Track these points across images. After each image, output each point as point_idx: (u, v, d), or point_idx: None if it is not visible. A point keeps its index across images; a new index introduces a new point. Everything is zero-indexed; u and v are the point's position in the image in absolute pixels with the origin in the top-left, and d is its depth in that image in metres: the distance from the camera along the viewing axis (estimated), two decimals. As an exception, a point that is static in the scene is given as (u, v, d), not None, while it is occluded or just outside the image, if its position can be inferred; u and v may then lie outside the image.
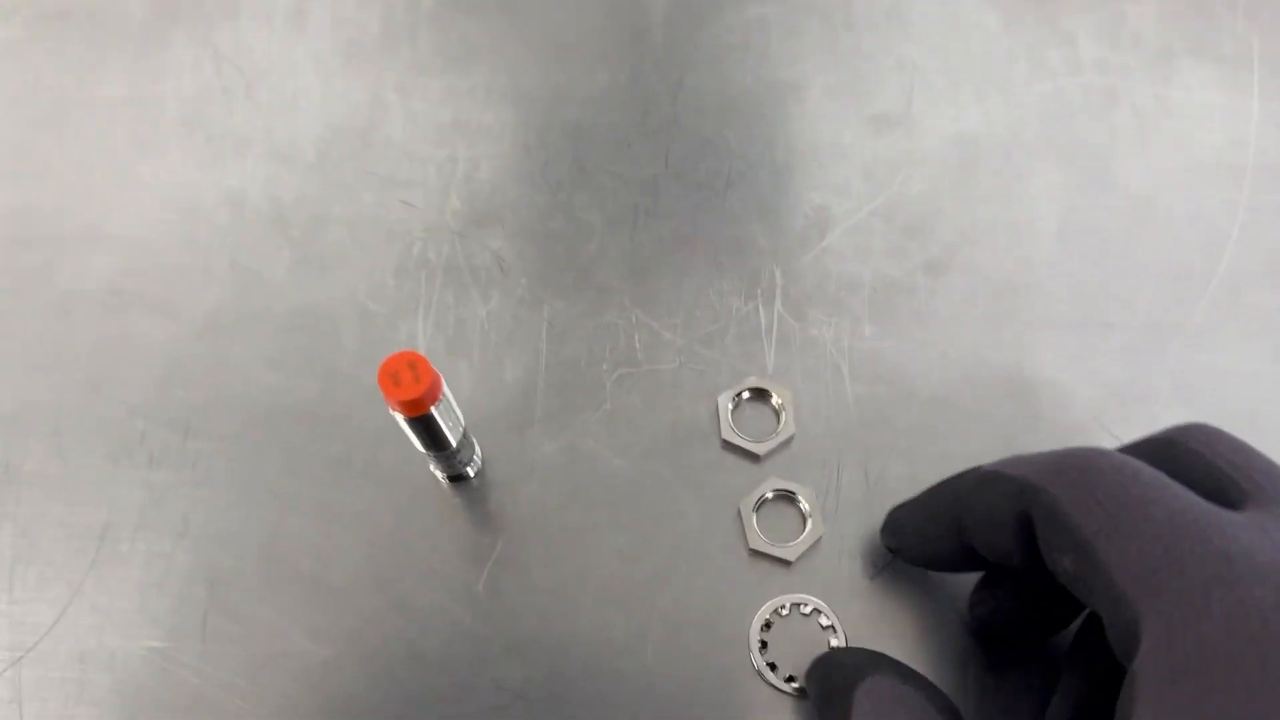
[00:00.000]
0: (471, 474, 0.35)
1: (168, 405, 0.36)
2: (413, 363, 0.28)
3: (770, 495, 0.34)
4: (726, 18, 0.42)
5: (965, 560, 0.29)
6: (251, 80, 0.41)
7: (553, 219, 0.39)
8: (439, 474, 0.34)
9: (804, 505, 0.34)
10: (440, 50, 0.42)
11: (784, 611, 0.32)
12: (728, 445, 0.35)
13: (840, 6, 0.42)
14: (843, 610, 0.33)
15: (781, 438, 0.35)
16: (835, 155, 0.40)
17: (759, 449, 0.34)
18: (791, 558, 0.33)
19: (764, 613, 0.32)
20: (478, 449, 0.34)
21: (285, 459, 0.35)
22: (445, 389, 0.29)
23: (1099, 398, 0.36)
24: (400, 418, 0.29)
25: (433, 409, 0.29)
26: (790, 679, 0.31)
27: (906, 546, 0.31)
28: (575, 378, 0.36)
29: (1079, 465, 0.24)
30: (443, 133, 0.40)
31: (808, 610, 0.32)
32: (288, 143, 0.40)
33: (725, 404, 0.35)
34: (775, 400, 0.35)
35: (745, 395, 0.36)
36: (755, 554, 0.33)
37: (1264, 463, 0.24)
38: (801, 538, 0.33)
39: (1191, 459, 0.25)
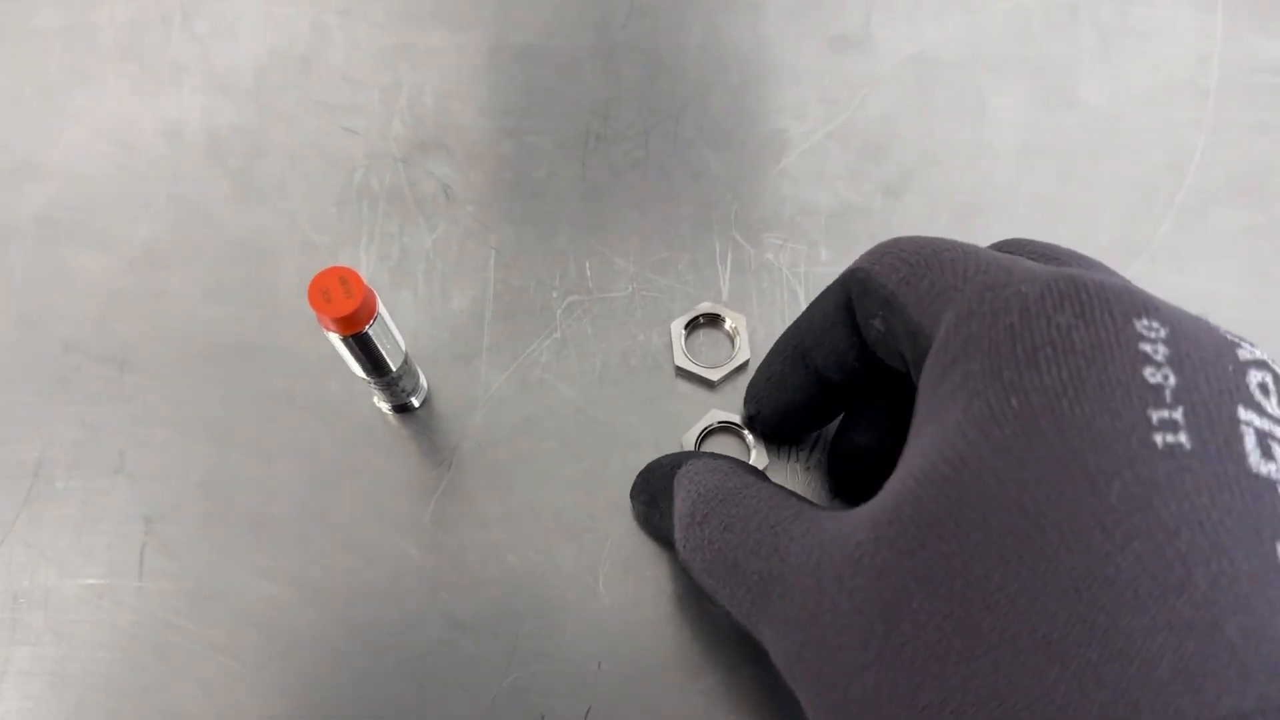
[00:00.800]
0: (416, 404, 0.34)
1: (103, 339, 0.35)
2: (344, 278, 0.27)
3: (715, 426, 0.33)
4: (680, -62, 0.41)
5: (818, 394, 0.29)
6: (187, 6, 0.40)
7: (501, 144, 0.38)
8: (383, 405, 0.33)
9: (749, 438, 0.33)
10: (384, -27, 0.40)
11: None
12: (681, 372, 0.34)
13: (797, -75, 0.41)
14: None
15: (735, 363, 0.34)
16: (792, 77, 0.39)
17: (713, 375, 0.34)
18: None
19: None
20: (423, 379, 0.33)
21: (225, 393, 0.34)
22: (381, 308, 0.28)
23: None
24: (335, 339, 0.28)
25: (368, 328, 0.28)
26: None
27: (763, 402, 0.31)
28: (524, 306, 0.35)
29: (895, 245, 0.24)
30: (386, 57, 0.39)
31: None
32: (226, 71, 0.39)
33: (678, 330, 0.34)
34: (729, 326, 0.35)
35: (699, 321, 0.35)
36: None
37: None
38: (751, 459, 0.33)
39: (1024, 249, 0.25)
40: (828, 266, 0.36)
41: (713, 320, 0.35)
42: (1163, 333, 0.19)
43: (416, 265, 0.36)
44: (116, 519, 0.33)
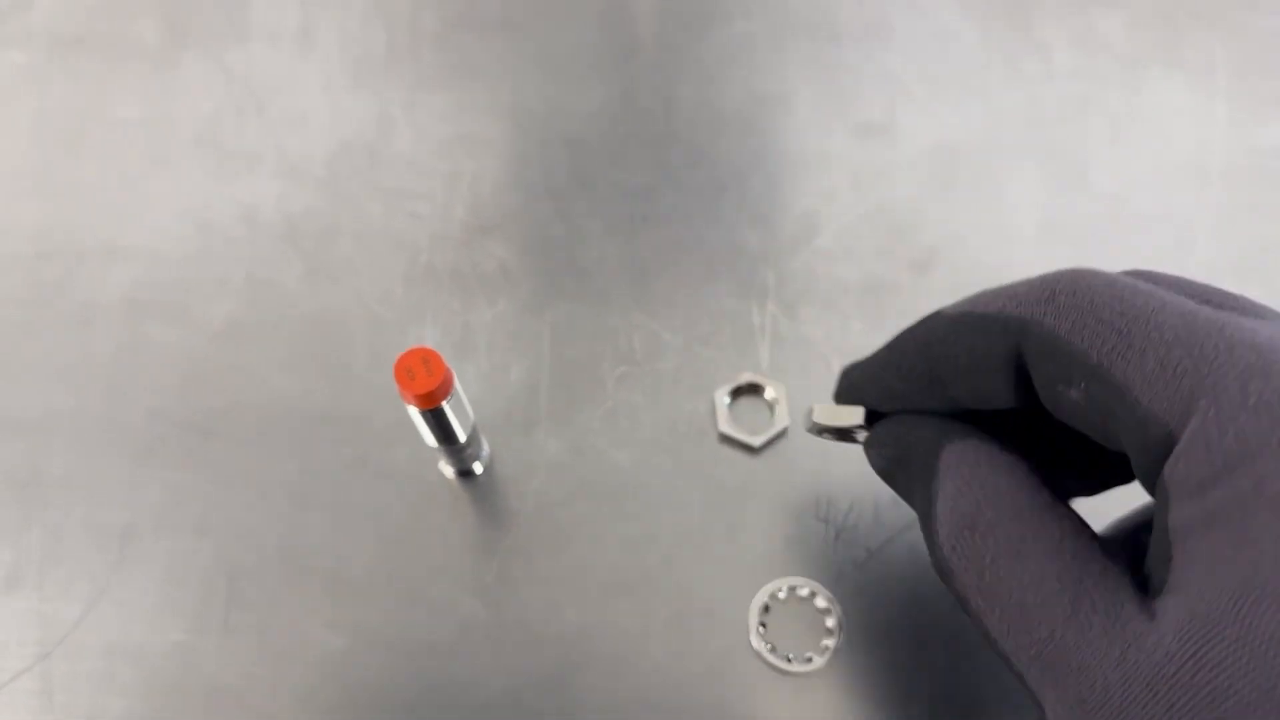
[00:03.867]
0: (480, 470, 0.36)
1: (186, 409, 0.37)
2: (426, 358, 0.29)
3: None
4: (716, 34, 0.44)
5: (948, 413, 0.25)
6: (262, 99, 0.43)
7: (553, 227, 0.40)
8: (449, 471, 0.36)
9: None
10: (443, 68, 0.43)
11: (781, 595, 0.34)
12: (725, 438, 0.37)
13: (824, 21, 0.44)
14: (838, 591, 0.34)
15: (775, 430, 0.36)
16: (823, 163, 0.42)
17: (754, 441, 0.36)
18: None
19: (761, 596, 0.34)
20: (485, 446, 0.36)
21: (300, 459, 0.37)
22: (457, 384, 0.31)
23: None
24: (414, 411, 0.31)
25: (444, 403, 0.30)
26: (789, 659, 0.33)
27: (864, 389, 0.28)
28: (578, 377, 0.38)
29: (1068, 288, 0.21)
30: (447, 146, 0.42)
31: (805, 593, 0.34)
32: (298, 158, 0.42)
33: (721, 399, 0.37)
34: (769, 395, 0.37)
35: (741, 391, 0.37)
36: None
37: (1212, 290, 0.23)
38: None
39: (1164, 280, 0.23)
40: (860, 338, 0.38)
41: (753, 389, 0.37)
42: None
43: (478, 339, 0.38)
44: (201, 577, 0.35)
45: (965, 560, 0.22)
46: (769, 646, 0.33)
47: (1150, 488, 0.20)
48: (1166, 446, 0.19)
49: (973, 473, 0.23)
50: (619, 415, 0.37)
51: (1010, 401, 0.23)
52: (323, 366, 0.38)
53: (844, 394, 0.30)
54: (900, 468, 0.26)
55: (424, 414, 0.31)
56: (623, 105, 0.43)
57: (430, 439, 0.33)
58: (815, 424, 0.30)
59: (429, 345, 0.37)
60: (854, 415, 0.29)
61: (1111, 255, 0.39)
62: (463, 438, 0.33)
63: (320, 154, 0.42)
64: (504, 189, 0.41)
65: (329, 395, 0.37)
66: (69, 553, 0.35)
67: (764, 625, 0.34)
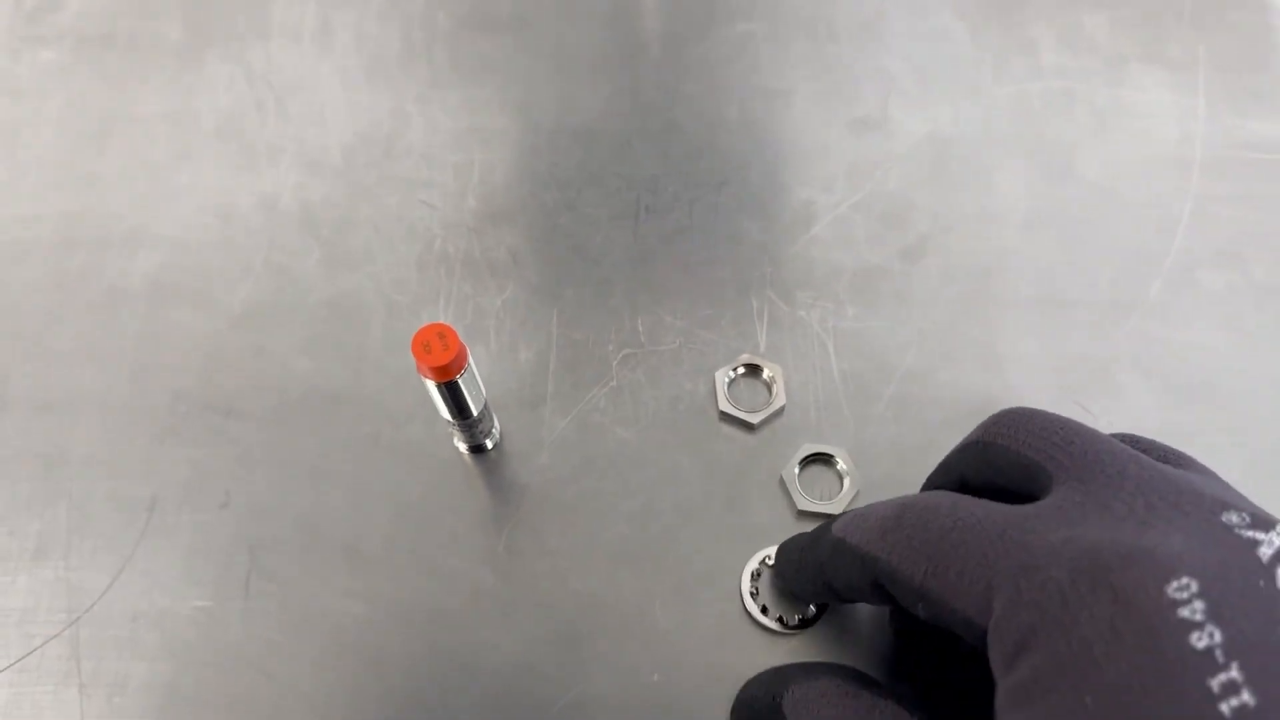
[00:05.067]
0: (490, 446, 0.38)
1: (209, 390, 0.39)
2: (442, 333, 0.31)
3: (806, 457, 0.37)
4: (718, 32, 0.46)
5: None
6: (282, 94, 0.45)
7: (561, 215, 0.42)
8: (461, 446, 0.38)
9: (840, 465, 0.37)
10: (456, 65, 0.45)
11: (770, 561, 0.35)
12: (724, 416, 0.38)
13: (822, 21, 0.46)
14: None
15: (773, 409, 0.38)
16: (819, 155, 0.43)
17: (752, 419, 0.38)
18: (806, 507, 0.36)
19: (753, 563, 0.35)
20: (496, 423, 0.38)
21: (318, 437, 0.38)
22: (470, 360, 0.32)
23: (1064, 369, 0.39)
24: (430, 384, 0.32)
25: (459, 377, 0.32)
26: (780, 619, 0.34)
27: (795, 589, 0.33)
28: (584, 358, 0.39)
29: (894, 524, 0.26)
30: (459, 139, 0.44)
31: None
32: (316, 151, 0.43)
33: (721, 379, 0.38)
34: (767, 375, 0.39)
35: (740, 371, 0.39)
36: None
37: (1063, 437, 0.26)
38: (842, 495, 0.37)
39: (999, 454, 0.28)
40: (854, 322, 0.40)
41: (752, 370, 0.39)
42: (1194, 587, 0.20)
43: (488, 322, 0.40)
44: (223, 549, 0.37)
45: None
46: (761, 608, 0.35)
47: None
48: (984, 641, 0.23)
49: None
50: (623, 394, 0.39)
51: (890, 604, 0.28)
52: (340, 349, 0.40)
53: (777, 565, 0.35)
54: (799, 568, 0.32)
55: (439, 387, 0.32)
56: (628, 100, 0.44)
57: (445, 413, 0.34)
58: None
59: (429, 323, 0.39)
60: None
61: (1096, 242, 0.41)
62: (475, 412, 0.34)
63: (337, 146, 0.43)
64: (514, 180, 0.43)
65: (346, 376, 0.39)
66: (95, 525, 0.37)
67: (755, 591, 0.35)
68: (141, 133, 0.44)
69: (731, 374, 0.39)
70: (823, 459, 0.37)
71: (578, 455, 0.38)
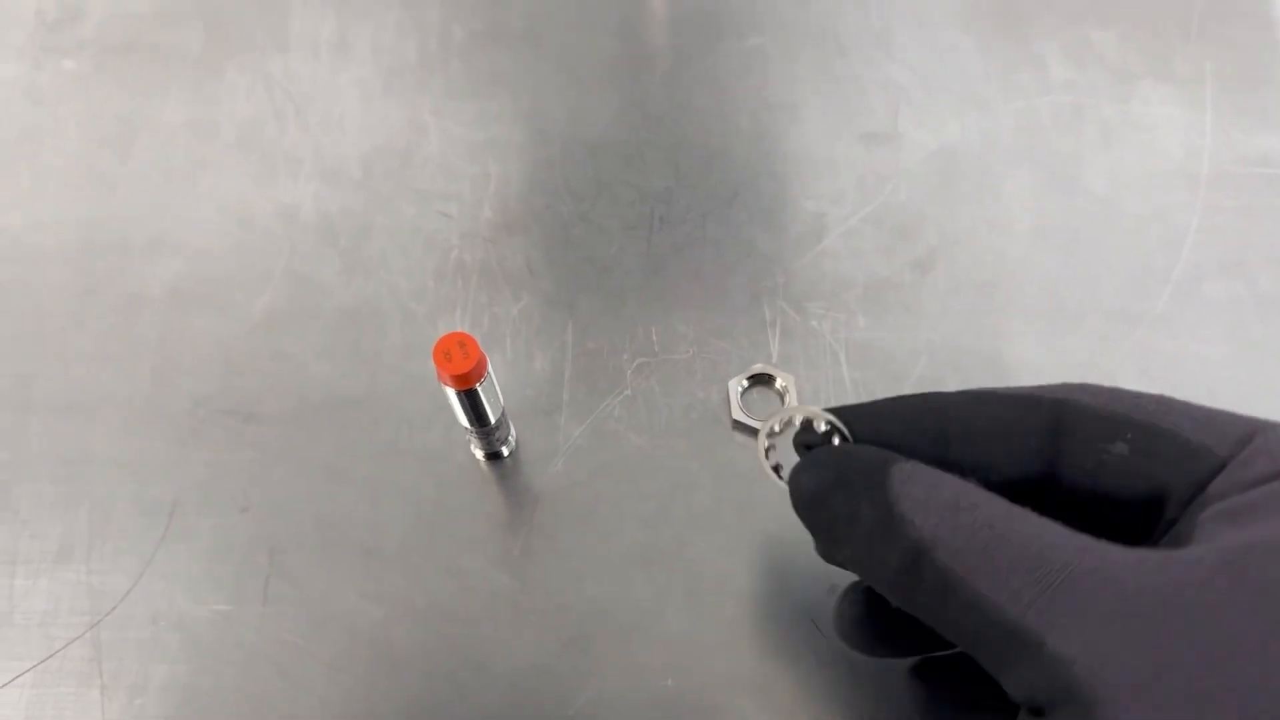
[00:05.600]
0: (506, 453, 0.38)
1: (228, 395, 0.40)
2: (462, 342, 0.32)
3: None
4: (728, 46, 0.47)
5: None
6: (301, 105, 0.45)
7: (575, 226, 0.43)
8: (478, 453, 0.38)
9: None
10: (471, 77, 0.46)
11: (779, 427, 0.31)
12: (737, 425, 0.39)
13: (831, 34, 0.47)
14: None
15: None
16: (829, 167, 0.44)
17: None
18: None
19: (773, 423, 0.31)
20: (513, 430, 0.38)
21: (337, 442, 0.39)
22: (489, 369, 0.33)
23: (1070, 380, 0.39)
24: (450, 392, 0.33)
25: (478, 385, 0.33)
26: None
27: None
28: (598, 367, 0.40)
29: (1086, 386, 0.26)
30: (475, 151, 0.44)
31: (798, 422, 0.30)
32: (335, 161, 0.44)
33: (734, 388, 0.39)
34: (779, 384, 0.39)
35: (752, 380, 0.39)
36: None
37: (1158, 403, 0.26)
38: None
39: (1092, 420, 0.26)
40: (864, 332, 0.40)
41: (764, 379, 0.40)
42: None
43: (504, 331, 0.41)
44: (243, 551, 0.37)
45: (956, 529, 0.23)
46: (775, 468, 0.31)
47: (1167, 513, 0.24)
48: (1214, 470, 0.23)
49: (936, 478, 0.24)
50: (637, 402, 0.39)
51: (1026, 465, 0.26)
52: (358, 356, 0.40)
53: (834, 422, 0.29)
54: (839, 489, 0.25)
55: (459, 395, 0.33)
56: (640, 112, 0.45)
57: (464, 420, 0.35)
58: (786, 422, 0.31)
59: (450, 332, 0.40)
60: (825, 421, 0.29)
61: (1103, 255, 0.42)
62: (493, 420, 0.35)
63: (356, 157, 0.44)
64: (529, 191, 0.43)
65: (364, 382, 0.40)
66: (117, 528, 0.38)
67: (771, 446, 0.32)
68: (162, 141, 0.45)
69: (744, 383, 0.39)
70: (765, 380, 0.39)
71: (592, 462, 0.38)
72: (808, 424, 0.29)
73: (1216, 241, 0.42)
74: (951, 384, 0.39)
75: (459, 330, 0.32)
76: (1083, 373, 0.40)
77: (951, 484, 0.24)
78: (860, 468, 0.25)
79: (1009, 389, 0.27)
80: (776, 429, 0.31)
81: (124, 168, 0.44)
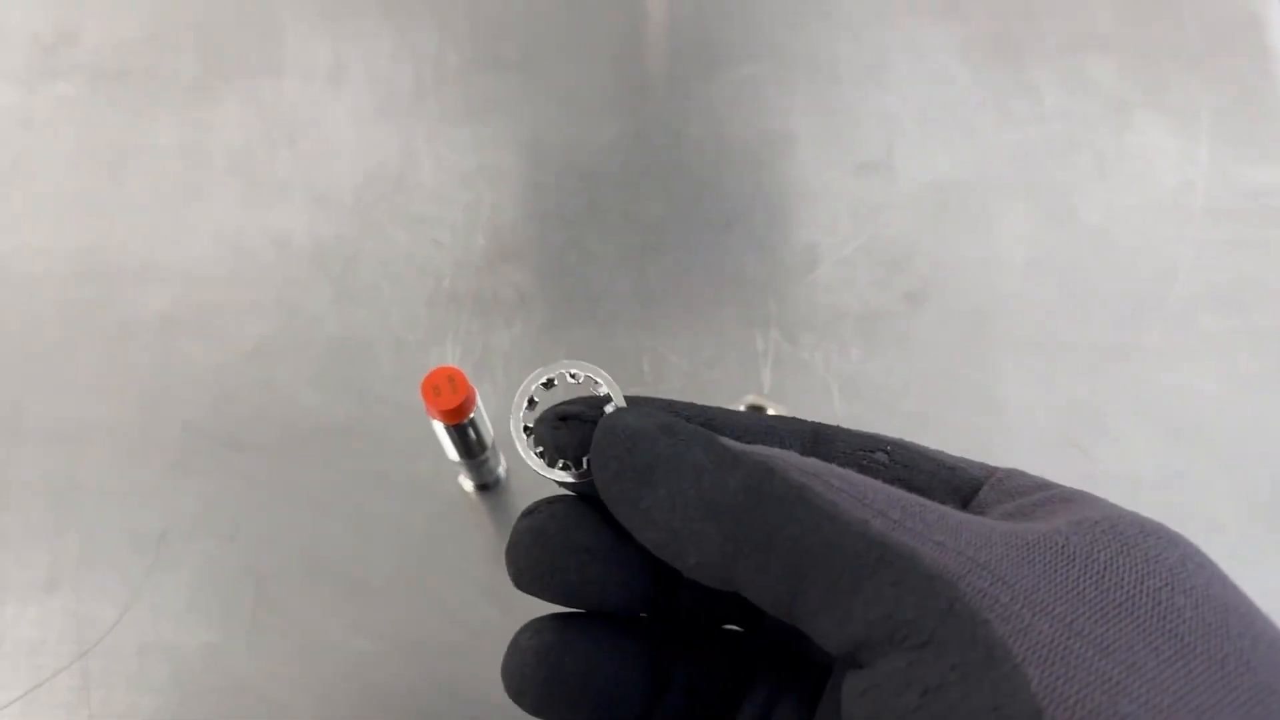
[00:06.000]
0: (495, 484, 0.38)
1: (218, 422, 0.40)
2: (451, 376, 0.32)
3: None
4: (723, 74, 0.47)
5: None
6: (294, 131, 0.45)
7: (568, 255, 0.43)
8: (467, 484, 0.38)
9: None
10: (465, 104, 0.46)
11: (551, 379, 0.24)
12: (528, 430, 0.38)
13: (825, 64, 0.47)
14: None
15: (777, 449, 0.38)
16: (823, 197, 0.44)
17: (756, 459, 0.38)
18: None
19: (530, 387, 0.24)
20: (502, 461, 0.38)
21: (326, 471, 0.39)
22: (479, 402, 0.33)
23: (1063, 412, 0.40)
24: (439, 426, 0.33)
25: (467, 419, 0.32)
26: (575, 463, 0.23)
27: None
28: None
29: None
30: (468, 178, 0.44)
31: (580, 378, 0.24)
32: (327, 187, 0.44)
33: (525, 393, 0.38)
34: (771, 414, 0.39)
35: (744, 411, 0.39)
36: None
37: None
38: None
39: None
40: (857, 364, 0.40)
41: (755, 410, 0.39)
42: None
43: (496, 360, 0.40)
44: (231, 581, 0.37)
45: (804, 465, 0.20)
46: (540, 454, 0.25)
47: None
48: (973, 486, 0.22)
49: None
50: (628, 433, 0.39)
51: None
52: (349, 384, 0.40)
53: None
54: (667, 432, 0.22)
55: (448, 429, 0.33)
56: (634, 141, 0.45)
57: (452, 453, 0.35)
58: None
59: (439, 366, 0.40)
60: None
61: (1096, 287, 0.42)
62: (482, 452, 0.35)
63: (348, 184, 0.44)
64: (522, 219, 0.43)
65: (354, 412, 0.40)
66: (105, 557, 0.38)
67: (529, 430, 0.25)
68: (155, 167, 0.45)
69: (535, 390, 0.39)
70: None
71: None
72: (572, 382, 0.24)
73: (1210, 274, 0.42)
74: (944, 416, 0.39)
75: (448, 364, 0.32)
76: (1075, 404, 0.40)
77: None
78: (690, 424, 0.22)
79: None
80: (544, 384, 0.24)
81: (117, 193, 0.44)
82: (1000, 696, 0.17)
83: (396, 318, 0.41)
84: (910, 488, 0.22)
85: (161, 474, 0.39)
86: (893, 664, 0.18)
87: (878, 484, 0.20)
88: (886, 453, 0.23)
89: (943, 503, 0.21)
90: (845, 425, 0.28)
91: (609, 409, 0.23)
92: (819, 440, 0.23)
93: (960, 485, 0.22)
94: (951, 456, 0.23)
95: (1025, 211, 0.43)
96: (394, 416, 0.39)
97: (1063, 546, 0.18)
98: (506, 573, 0.23)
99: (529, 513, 0.24)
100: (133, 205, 0.44)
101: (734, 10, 0.48)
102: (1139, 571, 0.18)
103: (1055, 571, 0.18)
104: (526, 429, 0.24)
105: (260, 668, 0.36)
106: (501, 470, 0.38)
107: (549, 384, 0.24)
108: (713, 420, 0.23)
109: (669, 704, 0.24)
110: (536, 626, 0.24)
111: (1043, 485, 0.22)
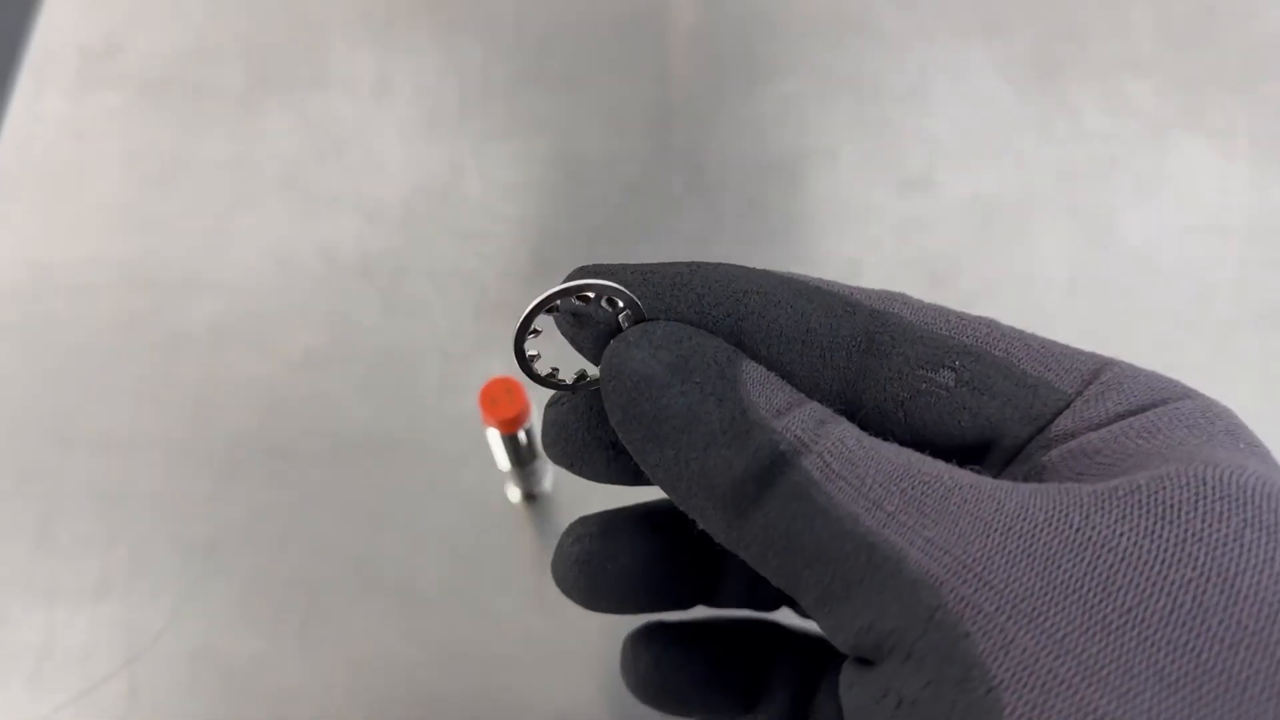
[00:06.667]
0: (542, 493, 0.38)
1: (267, 433, 0.40)
2: (509, 387, 0.32)
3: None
4: (767, 91, 0.47)
5: None
6: (341, 144, 0.46)
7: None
8: (514, 493, 0.38)
9: None
10: (510, 119, 0.46)
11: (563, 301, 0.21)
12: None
13: (868, 82, 0.47)
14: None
15: (822, 464, 0.39)
16: (866, 214, 0.44)
17: (802, 474, 0.38)
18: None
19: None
20: (550, 470, 0.38)
21: (374, 481, 0.39)
22: (533, 413, 0.33)
23: (1107, 430, 0.40)
24: (493, 435, 0.33)
25: (521, 429, 0.33)
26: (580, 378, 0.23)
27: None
28: (635, 410, 0.40)
29: (903, 297, 0.21)
30: (514, 191, 0.45)
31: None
32: (375, 200, 0.44)
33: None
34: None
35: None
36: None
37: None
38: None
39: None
40: (900, 380, 0.41)
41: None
42: None
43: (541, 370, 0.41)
44: (279, 590, 0.37)
45: (818, 437, 0.18)
46: (550, 372, 0.24)
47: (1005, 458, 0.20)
48: (1058, 407, 0.20)
49: (790, 390, 0.20)
50: (673, 446, 0.39)
51: (825, 384, 0.20)
52: (396, 395, 0.40)
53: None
54: (680, 376, 0.19)
55: (504, 438, 0.33)
56: (677, 155, 0.45)
57: (504, 461, 0.35)
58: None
59: (496, 377, 0.40)
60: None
61: (1137, 306, 0.42)
62: (533, 460, 0.35)
63: (395, 196, 0.44)
64: (566, 232, 0.44)
65: (401, 422, 0.40)
66: (155, 564, 0.38)
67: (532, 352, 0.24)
68: (203, 178, 0.45)
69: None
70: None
71: (629, 501, 0.38)
72: (585, 299, 0.21)
73: (1250, 295, 0.42)
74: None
75: (505, 376, 0.32)
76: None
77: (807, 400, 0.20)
78: (707, 357, 0.20)
79: (825, 283, 0.21)
80: (547, 303, 0.22)
81: (165, 204, 0.45)
82: None
83: (443, 329, 0.42)
84: (978, 418, 0.20)
85: (210, 483, 0.39)
86: (879, 670, 0.17)
87: (885, 454, 0.18)
88: (954, 369, 0.20)
89: (1017, 435, 0.20)
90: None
91: (623, 319, 0.21)
92: (871, 350, 0.20)
93: (1040, 410, 0.20)
94: (1039, 362, 0.20)
95: (1066, 230, 0.44)
96: (441, 427, 0.40)
97: (1078, 528, 0.16)
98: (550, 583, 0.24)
99: (553, 403, 0.23)
100: (181, 216, 0.44)
101: (776, 28, 0.48)
102: (1166, 560, 0.15)
103: (1059, 568, 0.16)
104: (532, 357, 0.23)
105: (309, 676, 0.36)
106: (548, 482, 0.38)
107: (553, 309, 0.22)
108: (743, 324, 0.20)
109: (730, 590, 0.25)
110: (578, 533, 0.24)
111: (1149, 403, 0.19)
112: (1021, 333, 0.21)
